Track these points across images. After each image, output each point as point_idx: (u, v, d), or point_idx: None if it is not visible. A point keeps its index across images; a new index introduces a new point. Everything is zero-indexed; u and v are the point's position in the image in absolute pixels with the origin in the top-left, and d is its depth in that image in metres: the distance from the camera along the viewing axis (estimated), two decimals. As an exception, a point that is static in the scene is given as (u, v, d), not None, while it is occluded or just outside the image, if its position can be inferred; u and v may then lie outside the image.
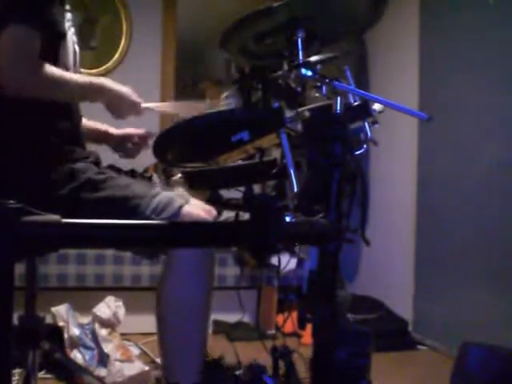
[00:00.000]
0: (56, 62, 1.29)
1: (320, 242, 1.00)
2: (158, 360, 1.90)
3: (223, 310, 2.52)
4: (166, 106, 1.58)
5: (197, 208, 1.29)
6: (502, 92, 2.28)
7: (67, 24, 1.38)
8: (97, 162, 1.41)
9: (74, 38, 1.42)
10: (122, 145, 1.58)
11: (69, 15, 1.40)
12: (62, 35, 1.32)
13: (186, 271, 1.26)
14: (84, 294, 2.51)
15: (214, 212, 1.35)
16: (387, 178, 3.08)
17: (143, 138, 1.58)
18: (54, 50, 1.30)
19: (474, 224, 2.38)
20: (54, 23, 1.26)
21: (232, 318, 2.70)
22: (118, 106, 1.36)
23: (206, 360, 1.39)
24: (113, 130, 1.59)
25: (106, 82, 1.34)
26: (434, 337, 2.59)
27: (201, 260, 1.27)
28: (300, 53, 1.13)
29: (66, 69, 1.35)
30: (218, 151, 1.18)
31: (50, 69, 1.23)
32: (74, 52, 1.42)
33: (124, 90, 1.36)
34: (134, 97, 1.39)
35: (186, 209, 1.25)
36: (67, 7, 1.37)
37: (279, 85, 1.12)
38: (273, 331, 2.72)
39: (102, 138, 1.57)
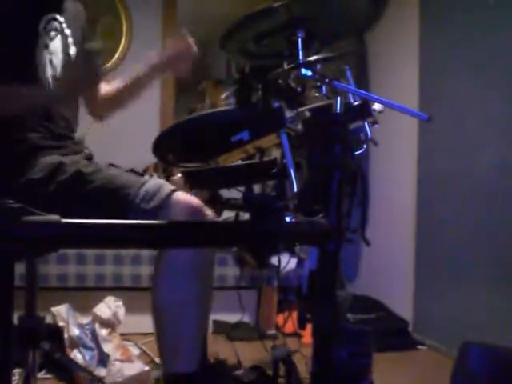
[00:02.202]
0: (22, 75, 1.29)
1: (320, 242, 1.00)
2: (158, 360, 1.90)
3: (223, 309, 2.52)
4: None
5: (187, 195, 1.28)
6: (501, 92, 2.28)
7: (53, 33, 1.37)
8: (88, 158, 1.41)
9: (69, 41, 1.41)
10: (173, 66, 1.52)
11: (56, 24, 1.39)
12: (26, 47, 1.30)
13: (180, 268, 1.25)
14: (84, 294, 2.51)
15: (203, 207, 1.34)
16: (387, 177, 3.08)
17: (184, 50, 1.51)
18: (15, 63, 1.29)
19: (474, 224, 2.38)
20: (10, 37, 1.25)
21: (232, 317, 2.70)
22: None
23: (208, 362, 1.39)
24: (152, 58, 1.51)
25: None
26: (434, 337, 2.59)
27: (194, 256, 1.26)
28: (300, 53, 1.13)
29: (38, 80, 1.34)
30: (218, 151, 1.18)
31: None
32: (66, 56, 1.41)
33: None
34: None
35: (176, 195, 1.25)
36: (50, 16, 1.36)
37: (279, 85, 1.12)
38: (273, 331, 2.72)
39: (151, 73, 1.52)
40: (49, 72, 1.36)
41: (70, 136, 1.43)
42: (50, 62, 1.37)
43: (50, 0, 1.40)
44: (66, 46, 1.41)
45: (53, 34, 1.38)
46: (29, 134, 1.30)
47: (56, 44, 1.38)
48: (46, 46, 1.36)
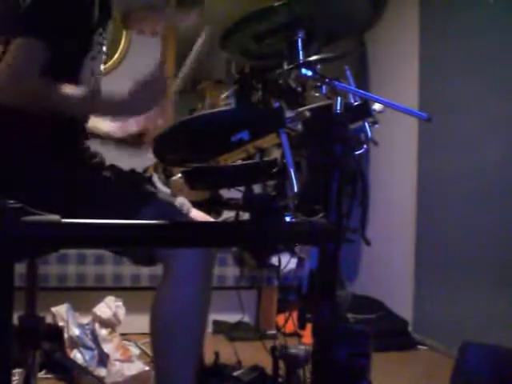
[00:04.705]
0: (71, 78, 1.29)
1: (320, 242, 1.00)
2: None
3: (223, 309, 2.52)
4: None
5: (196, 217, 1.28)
6: (501, 92, 2.28)
7: (99, 48, 1.37)
8: (101, 163, 1.41)
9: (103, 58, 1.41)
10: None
11: (101, 39, 1.37)
12: (81, 56, 1.30)
13: (185, 276, 1.24)
14: (84, 294, 2.51)
15: None
16: (387, 177, 3.08)
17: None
18: (70, 71, 1.29)
19: (474, 224, 2.38)
20: (68, 41, 1.25)
21: (232, 317, 2.70)
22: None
23: (205, 365, 1.38)
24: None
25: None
26: (434, 337, 2.59)
27: (200, 263, 1.26)
28: (300, 53, 1.13)
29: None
30: (218, 151, 1.18)
31: (39, 80, 1.20)
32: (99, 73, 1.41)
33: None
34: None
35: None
36: (100, 30, 1.36)
37: (279, 85, 1.12)
38: (273, 331, 2.72)
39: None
40: (91, 85, 1.37)
41: (85, 140, 1.43)
42: (92, 73, 1.38)
43: (104, 13, 1.38)
44: (102, 63, 1.42)
45: (99, 48, 1.38)
46: (47, 138, 1.30)
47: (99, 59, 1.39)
48: (93, 59, 1.36)
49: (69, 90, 1.25)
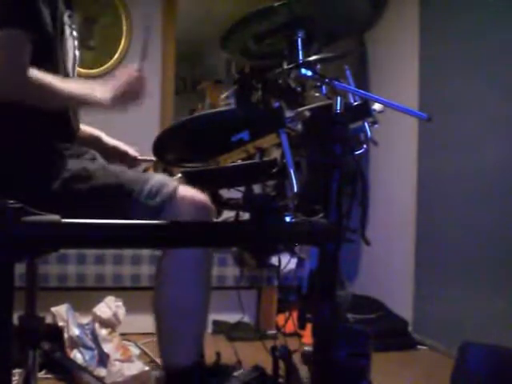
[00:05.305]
0: (54, 67, 1.28)
1: (320, 242, 1.00)
2: (158, 360, 1.90)
3: (223, 309, 2.51)
4: None
5: (192, 190, 1.28)
6: (501, 92, 2.28)
7: (69, 30, 1.37)
8: (93, 160, 1.41)
9: (76, 43, 1.41)
10: (110, 156, 1.54)
11: (71, 21, 1.39)
12: (56, 37, 1.30)
13: (182, 268, 1.25)
14: (84, 294, 2.51)
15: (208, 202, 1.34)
16: (387, 177, 3.08)
17: (124, 156, 1.56)
18: (49, 54, 1.29)
19: (474, 224, 2.38)
20: (46, 26, 1.24)
21: (232, 317, 2.70)
22: (120, 95, 1.29)
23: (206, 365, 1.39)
24: (105, 138, 1.57)
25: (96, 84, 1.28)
26: (434, 337, 2.59)
27: (196, 256, 1.27)
28: (300, 53, 1.13)
29: (66, 73, 1.34)
30: (218, 151, 1.18)
31: (39, 74, 1.19)
32: (74, 57, 1.41)
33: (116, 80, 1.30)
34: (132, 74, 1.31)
35: (181, 190, 1.25)
36: (68, 12, 1.36)
37: (279, 85, 1.12)
38: (273, 331, 2.72)
39: (92, 142, 1.55)
40: (70, 63, 1.37)
41: (76, 135, 1.43)
42: (74, 58, 1.38)
43: None
44: (74, 48, 1.41)
45: (70, 31, 1.38)
46: (44, 134, 1.30)
47: (70, 42, 1.39)
48: (71, 36, 1.37)
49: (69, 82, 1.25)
